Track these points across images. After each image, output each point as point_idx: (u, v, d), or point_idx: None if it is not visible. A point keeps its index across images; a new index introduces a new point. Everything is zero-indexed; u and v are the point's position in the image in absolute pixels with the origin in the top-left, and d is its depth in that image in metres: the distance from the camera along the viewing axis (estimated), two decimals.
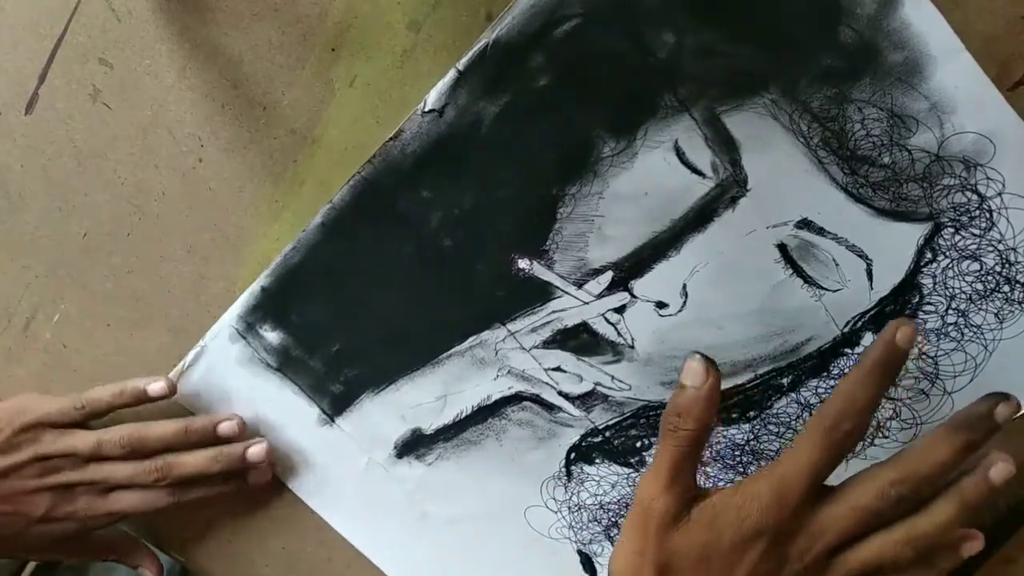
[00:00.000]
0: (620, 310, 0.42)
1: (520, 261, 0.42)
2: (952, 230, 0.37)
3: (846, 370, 0.40)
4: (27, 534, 0.48)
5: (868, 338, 0.40)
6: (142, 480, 0.47)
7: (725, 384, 0.42)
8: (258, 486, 0.50)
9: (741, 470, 0.44)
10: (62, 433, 0.47)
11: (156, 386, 0.48)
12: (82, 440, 0.47)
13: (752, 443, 0.44)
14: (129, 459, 0.47)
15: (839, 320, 0.40)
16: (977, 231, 0.37)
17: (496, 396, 0.45)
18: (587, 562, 0.48)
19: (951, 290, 0.38)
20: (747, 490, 0.36)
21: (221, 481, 0.49)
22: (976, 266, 0.38)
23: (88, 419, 0.48)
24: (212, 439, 0.48)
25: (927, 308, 0.39)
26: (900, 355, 0.35)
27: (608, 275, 0.41)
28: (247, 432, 0.49)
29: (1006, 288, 0.38)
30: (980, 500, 0.35)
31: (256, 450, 0.48)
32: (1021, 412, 0.35)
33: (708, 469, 0.44)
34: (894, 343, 0.34)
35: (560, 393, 0.45)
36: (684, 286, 0.41)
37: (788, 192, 0.38)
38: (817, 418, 0.35)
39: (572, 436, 0.46)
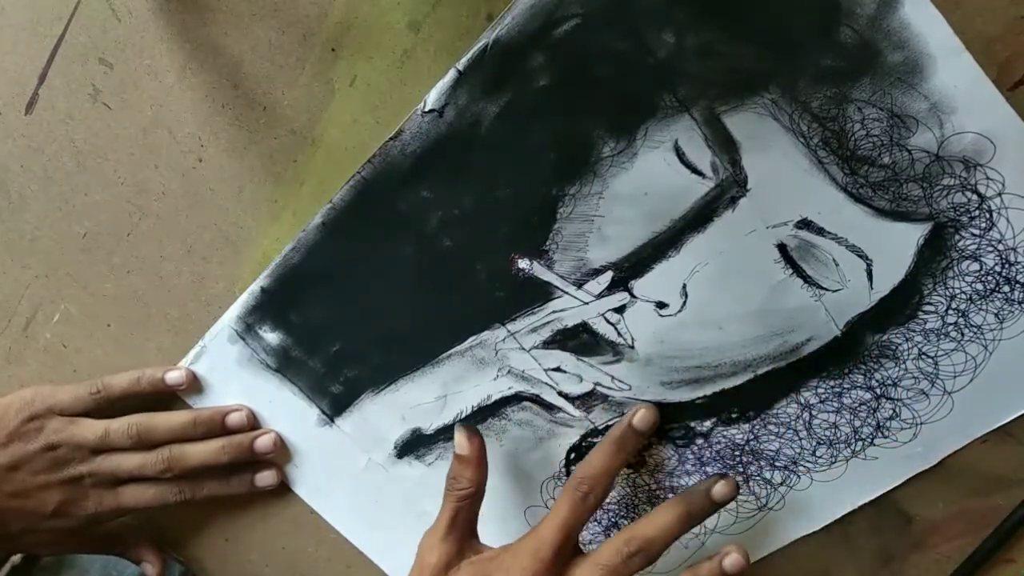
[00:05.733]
0: (620, 310, 0.42)
1: (520, 261, 0.42)
2: (952, 230, 0.37)
3: (847, 372, 0.41)
4: (37, 529, 0.48)
5: (868, 338, 0.40)
6: (149, 471, 0.47)
7: (725, 384, 0.42)
8: (265, 489, 0.50)
9: (741, 470, 0.44)
10: (70, 422, 0.47)
11: (173, 375, 0.48)
12: (90, 429, 0.47)
13: (752, 443, 0.43)
14: (137, 450, 0.47)
15: (839, 320, 0.40)
16: (977, 231, 0.37)
17: (496, 396, 0.45)
18: None
19: (951, 290, 0.38)
20: (512, 547, 0.42)
21: (232, 481, 0.49)
22: (976, 266, 0.38)
23: (102, 404, 0.48)
24: (220, 430, 0.48)
25: (927, 308, 0.39)
26: (636, 435, 0.42)
27: (608, 275, 0.41)
28: (255, 424, 0.49)
29: (1006, 288, 0.38)
30: None
31: (264, 440, 0.48)
32: (732, 496, 0.40)
33: (708, 469, 0.44)
34: (631, 426, 0.42)
35: (560, 393, 0.45)
36: (684, 286, 0.41)
37: (788, 192, 0.38)
38: (568, 482, 0.41)
39: (572, 436, 0.46)
